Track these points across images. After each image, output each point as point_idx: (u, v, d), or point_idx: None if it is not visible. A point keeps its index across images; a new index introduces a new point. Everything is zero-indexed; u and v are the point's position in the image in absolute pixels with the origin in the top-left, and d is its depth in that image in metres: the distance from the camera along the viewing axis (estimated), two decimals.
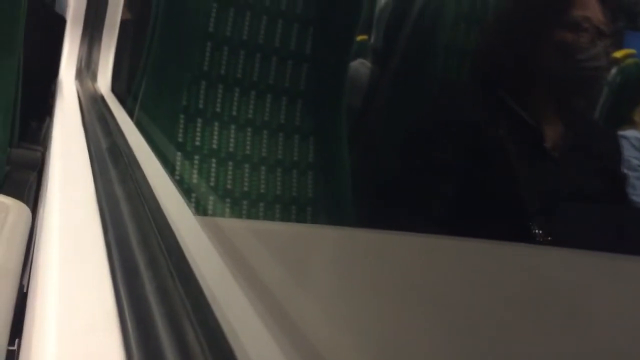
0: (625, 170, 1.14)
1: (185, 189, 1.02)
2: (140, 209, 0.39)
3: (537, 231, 0.94)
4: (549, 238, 0.93)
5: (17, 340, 0.48)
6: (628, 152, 1.23)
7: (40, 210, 0.61)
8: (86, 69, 1.11)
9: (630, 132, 1.29)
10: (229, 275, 0.36)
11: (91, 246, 0.34)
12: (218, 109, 1.07)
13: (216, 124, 1.07)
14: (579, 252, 0.82)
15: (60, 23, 1.16)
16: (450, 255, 0.78)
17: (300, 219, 1.10)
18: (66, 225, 0.38)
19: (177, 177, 1.02)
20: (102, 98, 1.03)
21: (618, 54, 1.44)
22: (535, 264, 0.80)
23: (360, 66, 1.35)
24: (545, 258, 0.83)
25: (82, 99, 0.98)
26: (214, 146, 1.06)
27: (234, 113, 1.08)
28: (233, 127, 1.08)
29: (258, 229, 0.71)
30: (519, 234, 0.93)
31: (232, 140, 1.08)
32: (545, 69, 0.98)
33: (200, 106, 1.06)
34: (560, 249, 0.86)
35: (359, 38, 1.50)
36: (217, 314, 0.29)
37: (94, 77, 1.09)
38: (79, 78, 1.10)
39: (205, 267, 0.34)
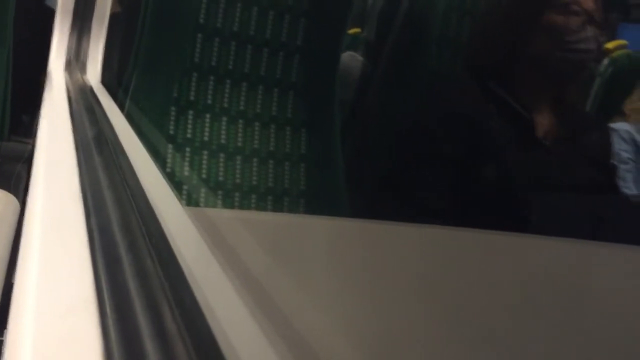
0: (615, 163, 1.14)
1: (177, 181, 1.02)
2: (124, 195, 0.39)
3: (529, 220, 0.94)
4: (541, 227, 0.93)
5: (5, 332, 0.48)
6: (618, 144, 1.23)
7: (29, 200, 0.61)
8: (75, 61, 1.10)
9: (620, 125, 1.29)
10: (213, 261, 0.35)
11: (73, 232, 0.34)
12: (209, 101, 1.07)
13: (207, 115, 1.07)
14: (570, 241, 0.82)
15: (49, 14, 1.15)
16: (444, 245, 0.78)
17: (293, 210, 1.10)
18: (48, 213, 0.38)
19: (169, 169, 1.02)
20: (91, 89, 1.02)
21: (610, 45, 1.44)
22: (527, 252, 0.80)
23: (350, 58, 1.35)
24: (536, 247, 0.84)
25: (70, 90, 0.98)
26: (206, 138, 1.06)
27: (226, 105, 1.08)
28: (224, 119, 1.08)
29: (247, 219, 0.71)
30: (511, 223, 0.93)
31: (223, 132, 1.08)
32: (535, 54, 0.98)
33: (192, 98, 1.06)
34: (552, 238, 0.86)
35: (352, 31, 1.50)
36: (198, 297, 0.29)
37: (83, 69, 1.09)
38: (68, 69, 1.09)
39: (188, 252, 0.34)
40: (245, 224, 0.63)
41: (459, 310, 0.61)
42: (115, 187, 0.40)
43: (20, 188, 0.87)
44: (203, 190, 1.05)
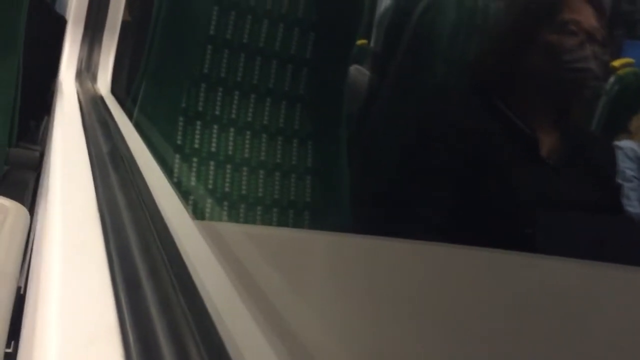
0: (620, 181, 1.14)
1: (183, 191, 1.02)
2: (142, 217, 0.39)
3: (532, 239, 0.94)
4: (544, 246, 0.93)
5: (12, 343, 0.48)
6: (623, 162, 1.24)
7: (39, 212, 0.61)
8: (86, 70, 1.11)
9: (625, 143, 1.29)
10: (229, 286, 0.36)
11: (93, 255, 0.34)
12: (217, 112, 1.08)
13: (215, 126, 1.07)
14: (573, 261, 0.82)
15: (61, 23, 1.16)
16: (447, 263, 0.79)
17: (298, 223, 1.10)
18: (68, 233, 0.38)
19: (175, 180, 1.02)
20: (102, 99, 1.03)
21: (616, 63, 1.44)
22: (529, 272, 0.81)
23: (356, 72, 1.36)
24: (539, 266, 0.84)
25: (82, 100, 0.98)
26: (213, 149, 1.07)
27: (233, 116, 1.09)
28: (232, 130, 1.08)
29: (258, 234, 0.71)
30: (514, 242, 0.93)
31: (230, 143, 1.08)
32: (535, 73, 0.98)
33: (200, 109, 1.06)
34: (555, 258, 0.86)
35: (359, 42, 1.51)
36: (219, 327, 0.29)
37: (94, 79, 1.09)
38: (78, 79, 1.10)
39: (206, 277, 0.34)
40: (256, 240, 0.63)
41: (461, 329, 0.61)
42: (132, 208, 0.40)
43: (27, 196, 0.88)
44: (209, 201, 1.05)
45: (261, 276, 0.48)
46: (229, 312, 0.33)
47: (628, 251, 0.94)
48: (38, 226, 0.55)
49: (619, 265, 0.81)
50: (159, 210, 0.43)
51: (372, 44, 1.59)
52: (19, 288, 0.54)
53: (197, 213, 1.04)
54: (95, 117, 0.81)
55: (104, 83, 1.09)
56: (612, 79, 1.41)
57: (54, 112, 0.97)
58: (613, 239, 1.00)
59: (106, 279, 0.32)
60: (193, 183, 1.05)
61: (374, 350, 0.54)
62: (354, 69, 1.35)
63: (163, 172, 0.61)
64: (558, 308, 0.70)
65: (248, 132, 1.09)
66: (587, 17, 0.97)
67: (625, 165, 1.24)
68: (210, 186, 1.05)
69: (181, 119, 1.05)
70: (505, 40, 1.06)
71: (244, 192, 1.07)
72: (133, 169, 0.50)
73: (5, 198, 0.66)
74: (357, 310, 0.59)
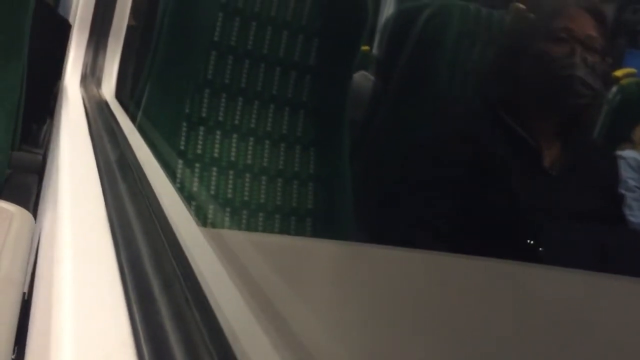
0: (623, 191, 1.14)
1: (186, 196, 1.02)
2: (152, 226, 0.39)
3: (534, 249, 0.94)
4: (546, 256, 0.93)
5: (16, 348, 0.48)
6: (625, 172, 1.24)
7: (45, 219, 0.61)
8: (91, 75, 1.11)
9: (627, 152, 1.29)
10: (239, 297, 0.36)
11: (104, 266, 0.34)
12: (221, 118, 1.08)
13: (218, 132, 1.07)
14: (575, 272, 0.82)
15: (65, 26, 1.16)
16: (450, 272, 0.79)
17: (300, 230, 1.10)
18: (78, 242, 0.38)
19: (178, 185, 1.02)
20: (107, 105, 1.03)
21: (618, 73, 1.45)
22: (532, 282, 0.81)
23: (362, 78, 1.36)
24: (541, 277, 0.84)
25: (87, 105, 0.98)
26: (216, 155, 1.07)
27: (237, 122, 1.09)
28: (235, 136, 1.08)
29: (264, 242, 0.71)
30: (517, 252, 0.93)
31: (233, 149, 1.08)
32: (531, 82, 0.99)
33: (203, 114, 1.06)
34: (557, 268, 0.86)
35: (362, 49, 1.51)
36: (230, 339, 0.29)
37: (98, 83, 1.09)
38: (83, 84, 1.10)
39: (217, 288, 0.34)
40: (260, 248, 0.63)
41: (462, 338, 0.61)
42: (142, 216, 0.40)
43: (31, 201, 0.88)
44: (211, 206, 1.05)
45: (269, 285, 0.48)
46: (239, 323, 0.33)
47: (630, 262, 0.94)
48: (45, 233, 0.55)
49: (621, 276, 0.81)
50: (168, 218, 0.43)
51: (374, 51, 1.59)
52: (23, 293, 0.54)
53: (200, 218, 1.04)
54: (101, 123, 0.81)
55: (108, 88, 1.08)
56: (614, 89, 1.41)
57: (58, 116, 0.97)
58: (615, 249, 1.00)
59: (119, 291, 0.31)
60: (196, 189, 1.05)
61: (376, 356, 0.54)
62: (361, 75, 1.35)
63: (169, 179, 0.61)
64: (560, 318, 0.70)
65: (251, 139, 1.09)
66: (583, 26, 0.96)
67: (627, 175, 1.24)
68: (212, 192, 1.05)
69: (184, 124, 1.05)
70: (506, 48, 1.06)
71: (246, 198, 1.07)
72: (141, 177, 0.50)
73: (9, 203, 0.66)
74: (359, 318, 0.59)
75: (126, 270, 0.33)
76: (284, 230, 1.09)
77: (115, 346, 0.26)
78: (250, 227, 1.08)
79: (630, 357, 0.63)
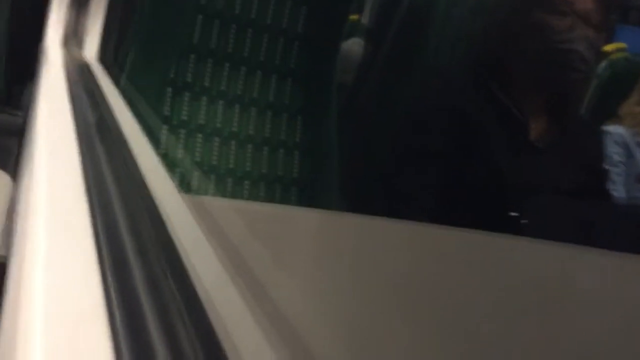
0: (607, 166, 1.15)
1: (170, 163, 1.01)
2: (129, 191, 0.39)
3: (519, 222, 0.95)
4: (530, 229, 0.94)
5: None
6: (611, 147, 1.24)
7: (23, 183, 0.60)
8: (73, 36, 1.08)
9: (613, 128, 1.30)
10: (218, 264, 0.35)
11: (79, 231, 0.33)
12: (207, 84, 1.06)
13: (204, 98, 1.06)
14: (558, 245, 0.83)
15: None
16: (434, 243, 0.79)
17: (285, 198, 1.10)
18: (53, 208, 0.37)
19: (162, 151, 1.01)
20: (89, 67, 1.01)
21: (608, 48, 1.44)
22: (515, 255, 0.81)
23: (354, 45, 1.34)
24: (525, 249, 0.84)
25: (68, 67, 0.96)
26: (201, 121, 1.05)
27: (223, 88, 1.07)
28: (221, 102, 1.07)
29: (246, 210, 0.71)
30: (501, 224, 0.93)
31: (219, 116, 1.07)
32: (526, 55, 0.98)
33: (189, 80, 1.05)
34: (541, 241, 0.87)
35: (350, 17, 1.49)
36: (207, 306, 0.29)
37: (81, 45, 1.07)
38: (65, 45, 1.07)
39: (195, 255, 0.34)
40: (242, 215, 0.63)
41: (445, 310, 0.62)
42: (119, 181, 0.39)
43: (10, 162, 0.86)
44: (196, 173, 1.04)
45: (249, 253, 0.48)
46: (217, 290, 0.32)
47: (613, 236, 0.94)
48: (22, 198, 0.54)
49: (603, 250, 0.82)
50: (147, 184, 0.42)
51: (367, 18, 1.57)
52: (1, 257, 0.53)
53: (184, 186, 1.03)
54: (81, 85, 0.79)
55: (91, 50, 1.06)
56: (603, 64, 1.41)
57: (39, 78, 0.95)
58: (599, 223, 1.00)
59: (92, 255, 0.31)
60: (180, 155, 1.04)
61: (360, 328, 0.54)
62: (353, 42, 1.33)
63: (150, 145, 0.60)
64: (542, 291, 0.70)
65: (237, 106, 1.07)
66: (583, 1, 0.96)
67: (612, 150, 1.25)
68: (197, 159, 1.04)
69: (169, 89, 1.03)
70: (499, 19, 1.05)
71: (231, 165, 1.06)
72: (120, 142, 0.49)
73: None
74: (340, 287, 0.59)
75: (101, 234, 0.33)
76: (269, 199, 1.09)
77: (86, 310, 0.26)
78: (235, 196, 1.07)
79: (611, 330, 0.64)
